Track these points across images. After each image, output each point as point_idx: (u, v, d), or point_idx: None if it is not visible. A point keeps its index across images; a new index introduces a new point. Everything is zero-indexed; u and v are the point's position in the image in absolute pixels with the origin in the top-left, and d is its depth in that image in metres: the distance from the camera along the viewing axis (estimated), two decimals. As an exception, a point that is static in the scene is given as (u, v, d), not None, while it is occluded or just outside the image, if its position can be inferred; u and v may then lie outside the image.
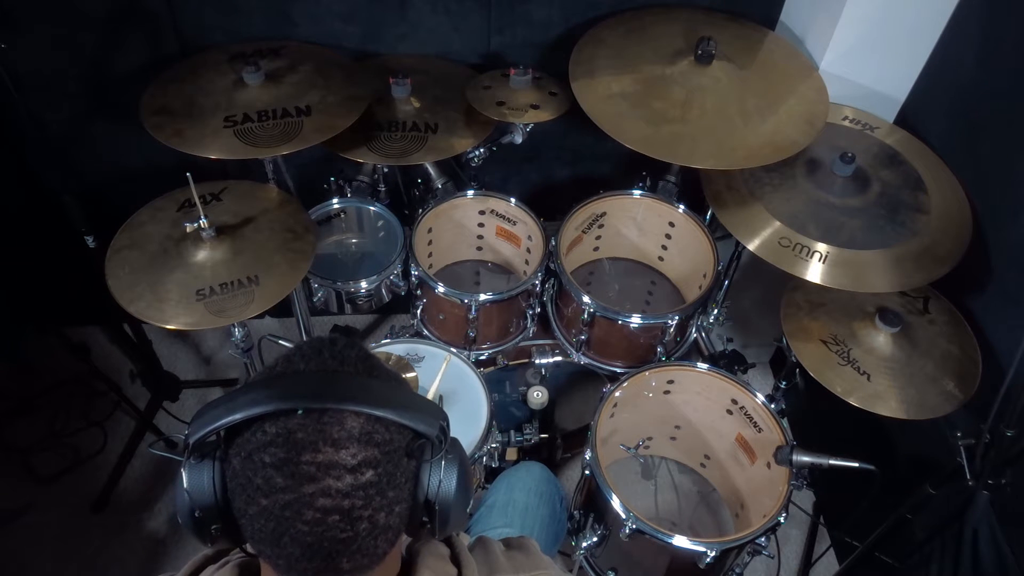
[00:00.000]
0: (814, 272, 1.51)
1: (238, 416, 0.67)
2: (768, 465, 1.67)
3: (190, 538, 1.01)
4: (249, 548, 0.77)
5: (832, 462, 1.52)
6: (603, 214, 1.97)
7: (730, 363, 1.99)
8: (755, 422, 1.70)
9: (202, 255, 1.51)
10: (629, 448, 1.98)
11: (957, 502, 1.31)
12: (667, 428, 1.99)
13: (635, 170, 1.94)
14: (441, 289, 1.77)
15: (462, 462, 0.75)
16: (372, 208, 1.94)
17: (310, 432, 0.66)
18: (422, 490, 0.73)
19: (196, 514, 0.71)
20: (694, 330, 1.93)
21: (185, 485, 0.70)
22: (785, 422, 1.64)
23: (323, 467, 0.65)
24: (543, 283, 1.88)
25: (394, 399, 0.70)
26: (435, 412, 0.74)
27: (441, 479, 0.73)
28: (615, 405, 1.71)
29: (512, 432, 1.80)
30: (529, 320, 1.95)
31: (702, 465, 2.07)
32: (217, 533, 0.73)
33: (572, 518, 1.75)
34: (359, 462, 0.66)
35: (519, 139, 1.83)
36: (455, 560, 0.83)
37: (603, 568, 1.73)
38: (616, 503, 1.50)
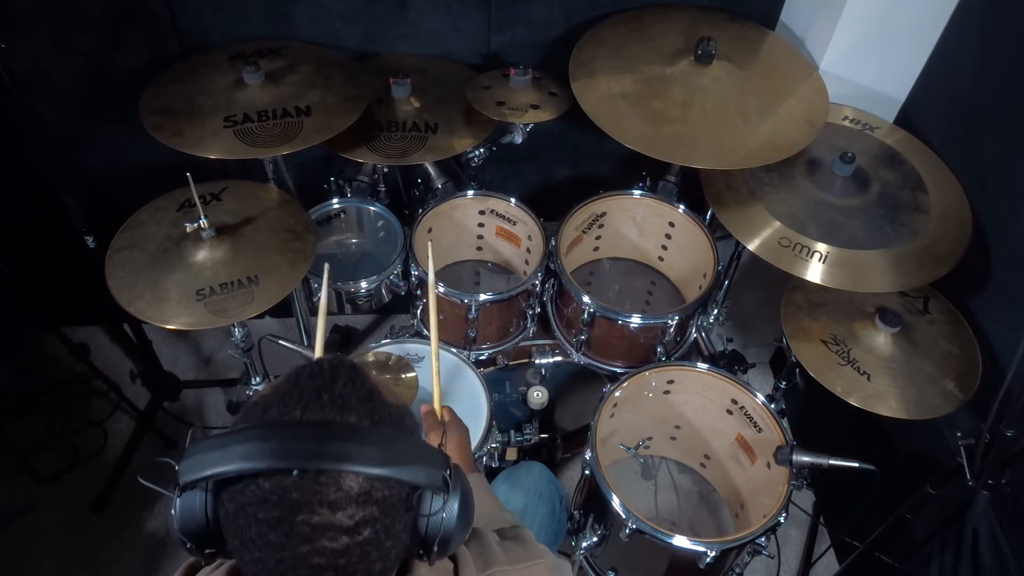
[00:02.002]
0: (814, 272, 1.51)
1: (231, 469, 0.64)
2: (768, 465, 1.67)
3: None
4: None
5: (832, 462, 1.52)
6: (603, 214, 1.97)
7: (730, 363, 1.99)
8: (755, 422, 1.70)
9: (202, 255, 1.51)
10: (629, 448, 1.98)
11: (957, 502, 1.31)
12: (667, 428, 1.99)
13: (635, 170, 1.94)
14: (441, 289, 1.77)
15: (464, 496, 0.72)
16: (372, 208, 1.94)
17: (306, 493, 0.63)
18: (420, 532, 0.71)
19: (187, 545, 0.70)
20: (694, 330, 1.93)
21: (176, 522, 0.68)
22: (785, 422, 1.64)
23: (319, 528, 0.63)
24: (543, 283, 1.88)
25: (396, 454, 0.67)
26: (437, 461, 0.71)
27: (442, 522, 0.70)
28: (615, 405, 1.71)
29: (512, 432, 1.80)
30: (529, 320, 1.95)
31: (702, 465, 2.07)
32: (210, 557, 0.72)
33: (572, 518, 1.75)
34: (356, 523, 0.64)
35: (519, 139, 1.83)
36: (451, 556, 0.83)
37: (603, 568, 1.73)
38: (616, 503, 1.50)
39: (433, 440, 1.20)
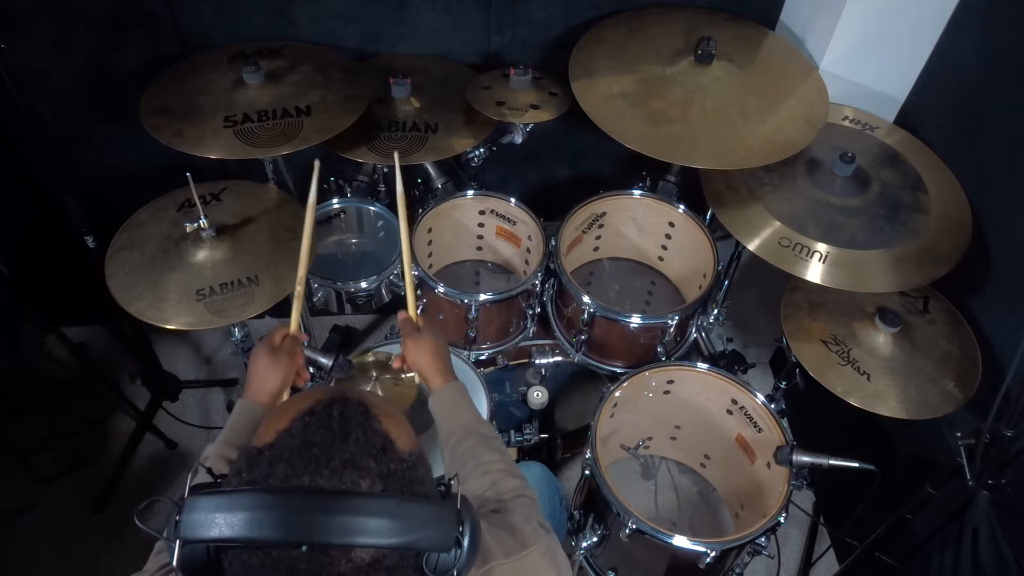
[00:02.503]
0: (814, 272, 1.51)
1: (236, 536, 0.62)
2: (768, 465, 1.67)
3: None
4: None
5: (832, 462, 1.52)
6: (603, 214, 1.97)
7: (730, 363, 1.98)
8: (755, 422, 1.70)
9: (202, 255, 1.51)
10: (629, 448, 1.98)
11: (957, 502, 1.31)
12: (667, 428, 1.99)
13: (635, 170, 1.94)
14: (441, 289, 1.77)
15: (473, 541, 0.70)
16: (372, 208, 1.94)
17: (314, 565, 0.62)
18: None
19: None
20: (694, 330, 1.93)
21: (179, 568, 0.66)
22: (785, 422, 1.64)
23: None
24: (543, 283, 1.88)
25: (407, 524, 0.64)
26: (449, 521, 0.68)
27: (450, 573, 0.69)
28: (615, 405, 1.71)
29: (512, 432, 1.80)
30: (529, 320, 1.95)
31: (702, 465, 2.07)
32: None
33: (572, 518, 1.75)
34: None
35: (519, 139, 1.83)
36: None
37: (603, 568, 1.73)
38: (616, 503, 1.50)
39: (411, 348, 1.23)
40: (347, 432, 0.67)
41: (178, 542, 0.64)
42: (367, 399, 0.71)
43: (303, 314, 1.95)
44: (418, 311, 1.34)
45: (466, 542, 0.69)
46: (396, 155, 1.38)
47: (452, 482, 0.74)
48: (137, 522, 0.70)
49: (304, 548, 0.62)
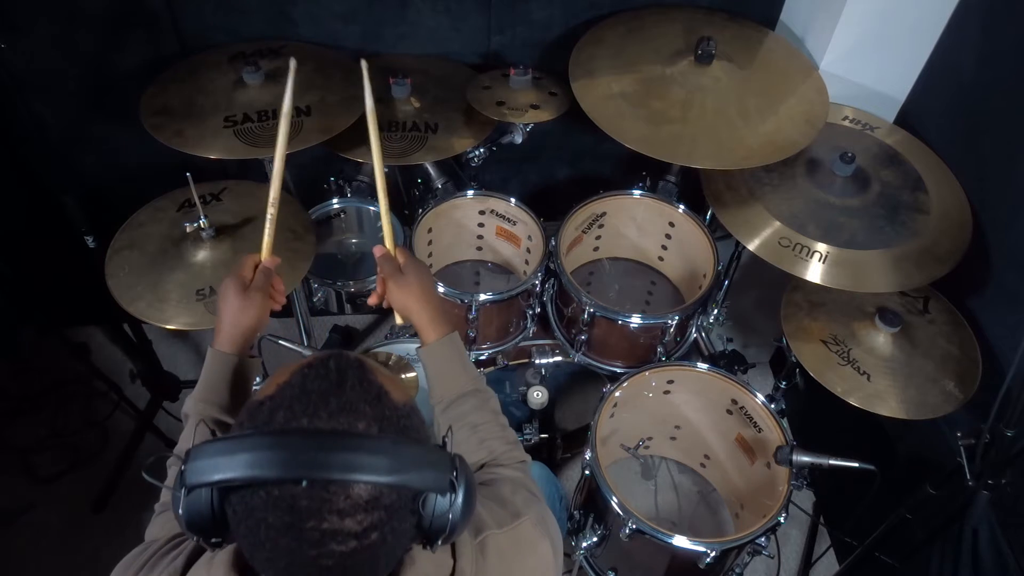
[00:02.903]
0: (814, 272, 1.51)
1: (240, 476, 0.64)
2: (768, 465, 1.67)
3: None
4: None
5: (832, 462, 1.52)
6: (603, 214, 1.97)
7: (730, 363, 1.98)
8: (755, 422, 1.70)
9: (202, 255, 1.51)
10: (629, 448, 1.98)
11: (957, 502, 1.32)
12: (667, 428, 1.99)
13: (635, 170, 1.94)
14: (441, 289, 1.77)
15: (468, 490, 0.72)
16: (372, 208, 1.94)
17: (314, 501, 0.64)
18: (424, 527, 0.72)
19: (194, 537, 0.70)
20: (694, 330, 1.93)
21: (183, 519, 0.68)
22: (785, 422, 1.64)
23: (328, 534, 0.64)
24: (543, 283, 1.88)
25: (404, 461, 0.67)
26: (444, 464, 0.71)
27: (448, 523, 0.71)
28: (615, 405, 1.71)
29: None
30: (529, 320, 1.95)
31: (702, 465, 2.07)
32: (216, 545, 0.73)
33: (572, 518, 1.75)
34: (365, 528, 0.65)
35: (519, 139, 1.83)
36: None
37: (603, 568, 1.73)
38: (616, 503, 1.50)
39: (395, 292, 1.12)
40: (343, 380, 0.69)
41: (184, 496, 0.67)
42: (362, 358, 0.74)
43: (305, 316, 1.96)
44: (397, 244, 1.18)
45: (461, 492, 0.71)
46: (363, 64, 1.22)
47: (446, 440, 0.76)
48: (145, 476, 0.73)
49: (304, 484, 0.63)
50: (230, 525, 0.68)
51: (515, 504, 0.94)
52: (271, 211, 1.16)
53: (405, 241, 1.86)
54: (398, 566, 0.76)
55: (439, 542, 0.73)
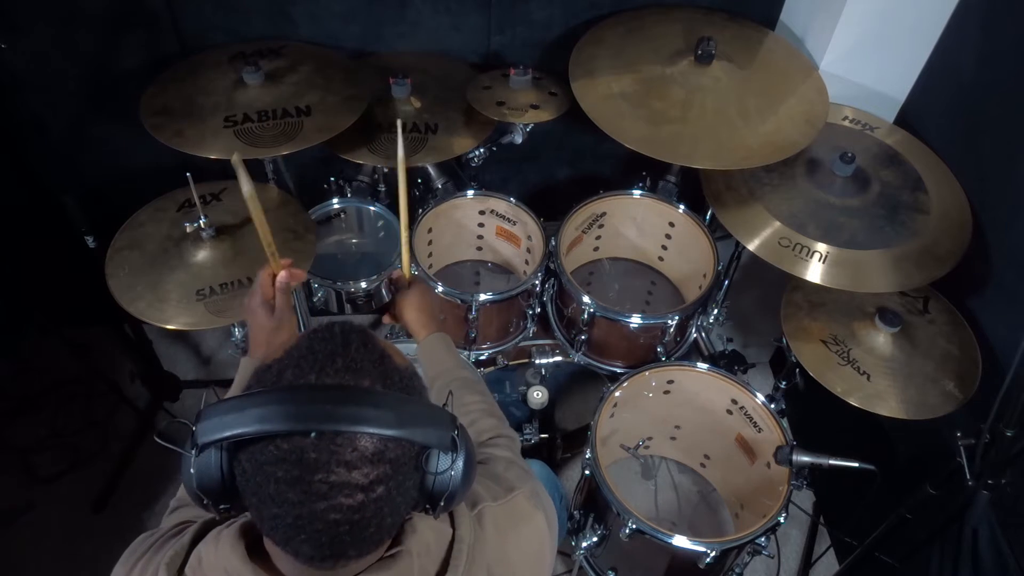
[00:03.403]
0: (814, 272, 1.51)
1: (250, 430, 0.66)
2: (768, 465, 1.67)
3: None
4: None
5: (832, 462, 1.52)
6: (603, 214, 1.97)
7: (730, 363, 1.98)
8: (755, 422, 1.70)
9: (202, 255, 1.51)
10: (629, 448, 1.98)
11: (957, 502, 1.31)
12: (667, 428, 1.99)
13: (635, 170, 1.94)
14: (441, 289, 1.77)
15: (468, 454, 0.75)
16: (372, 208, 1.94)
17: (322, 453, 0.65)
18: (427, 488, 0.73)
19: (204, 501, 0.71)
20: (694, 330, 1.93)
21: (194, 477, 0.69)
22: (785, 422, 1.64)
23: (335, 486, 0.66)
24: (543, 283, 1.88)
25: (408, 416, 0.69)
26: (446, 422, 0.73)
27: (449, 479, 0.73)
28: (615, 405, 1.71)
29: (512, 432, 1.80)
30: (529, 320, 1.95)
31: (702, 465, 2.07)
32: (225, 510, 0.73)
33: (572, 518, 1.75)
34: (371, 480, 0.67)
35: (519, 139, 1.83)
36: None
37: (603, 568, 1.73)
38: (616, 503, 1.50)
39: (399, 302, 1.28)
40: (348, 342, 0.72)
41: (195, 456, 0.68)
42: (364, 326, 0.76)
43: (305, 316, 1.96)
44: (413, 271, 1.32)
45: (462, 454, 0.73)
46: (399, 125, 1.21)
47: (446, 405, 0.78)
48: (157, 439, 0.73)
49: (312, 435, 0.65)
50: (239, 486, 0.70)
51: (509, 479, 0.97)
52: (268, 248, 1.15)
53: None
54: (400, 533, 0.77)
55: (441, 503, 0.74)
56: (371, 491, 0.67)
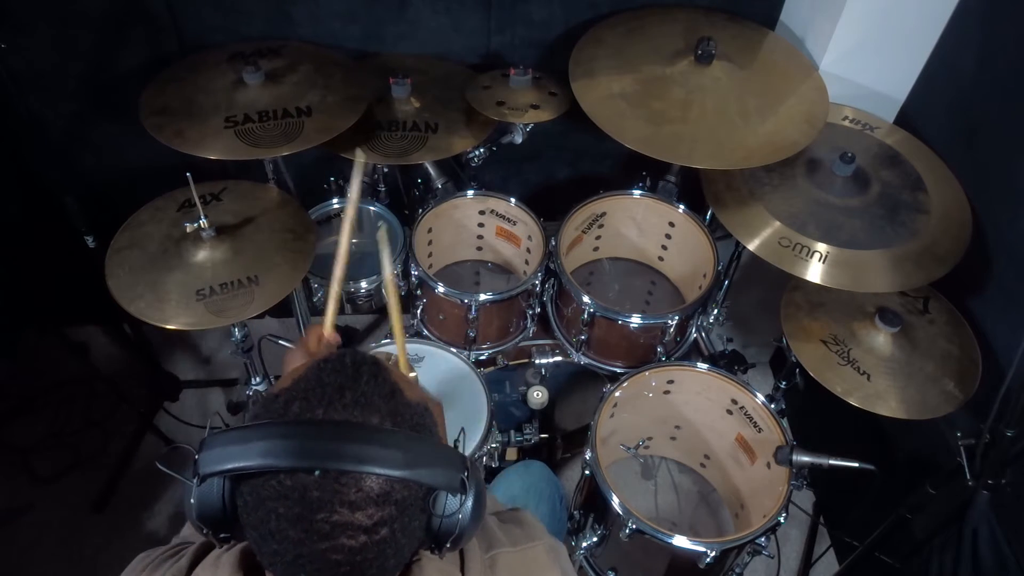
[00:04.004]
0: (814, 272, 1.51)
1: (253, 464, 0.64)
2: (768, 465, 1.67)
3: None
4: None
5: (832, 462, 1.52)
6: (603, 214, 1.97)
7: (730, 363, 1.99)
8: (755, 422, 1.70)
9: (202, 255, 1.51)
10: (629, 448, 1.98)
11: (957, 502, 1.32)
12: (667, 428, 1.99)
13: (635, 170, 1.94)
14: (441, 289, 1.77)
15: (478, 494, 0.72)
16: (372, 208, 1.94)
17: (325, 492, 0.64)
18: (434, 531, 0.72)
19: (204, 530, 0.70)
20: (694, 330, 1.93)
21: (194, 509, 0.68)
22: (785, 422, 1.64)
23: (338, 527, 0.64)
24: (543, 283, 1.88)
25: (416, 457, 0.67)
26: (456, 463, 0.71)
27: (457, 524, 0.71)
28: (615, 405, 1.71)
29: (512, 432, 1.80)
30: (529, 320, 1.95)
31: (702, 465, 2.07)
32: (224, 541, 0.73)
33: (572, 518, 1.75)
34: (375, 522, 0.65)
35: (519, 139, 1.83)
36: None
37: (603, 568, 1.73)
38: (616, 503, 1.50)
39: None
40: (359, 375, 0.70)
41: (196, 485, 0.67)
42: (376, 356, 0.75)
43: (305, 316, 1.96)
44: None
45: (472, 494, 0.71)
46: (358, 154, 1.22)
47: (457, 442, 0.77)
48: (159, 465, 0.72)
49: (316, 474, 0.63)
50: (240, 517, 0.68)
51: (535, 528, 0.94)
52: (335, 287, 1.17)
53: (405, 241, 1.86)
54: (407, 571, 0.76)
55: (448, 545, 0.72)
56: (375, 533, 0.65)
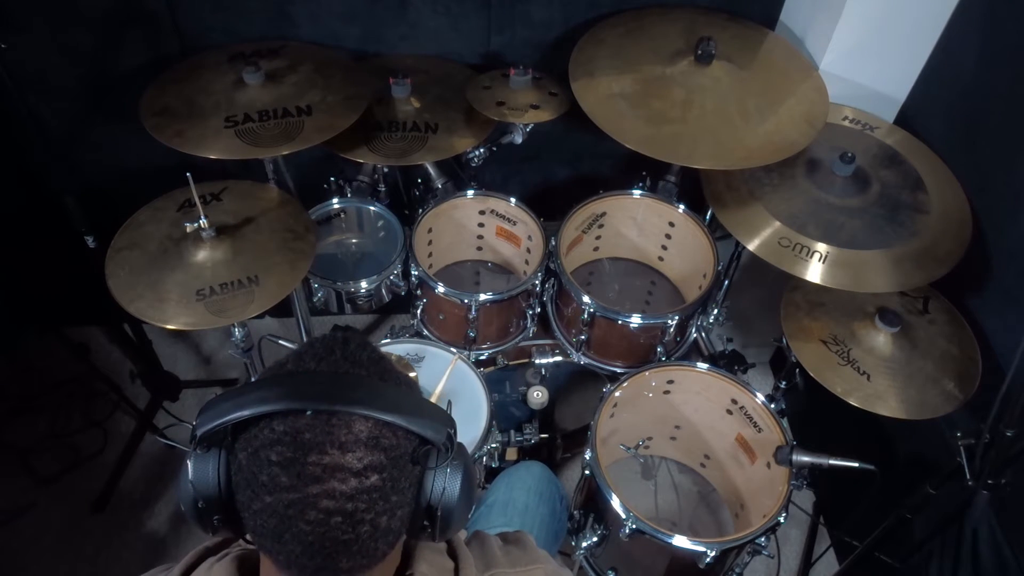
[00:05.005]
0: (814, 272, 1.51)
1: (247, 412, 0.67)
2: (768, 465, 1.67)
3: (190, 537, 1.00)
4: (249, 538, 0.77)
5: (832, 462, 1.52)
6: (603, 214, 1.97)
7: (730, 363, 1.99)
8: (755, 422, 1.70)
9: (202, 255, 1.51)
10: (629, 448, 1.98)
11: (957, 502, 1.32)
12: (667, 428, 1.99)
13: (635, 170, 1.94)
14: (441, 289, 1.77)
15: (466, 468, 0.74)
16: (372, 208, 1.94)
17: (318, 433, 0.66)
18: (425, 495, 0.73)
19: (199, 504, 0.71)
20: (694, 330, 1.93)
21: (190, 476, 0.70)
22: (785, 422, 1.64)
23: (329, 469, 0.65)
24: (543, 283, 1.88)
25: (404, 404, 0.70)
26: (443, 419, 0.73)
27: (445, 486, 0.73)
28: (615, 405, 1.71)
29: (512, 432, 1.80)
30: (529, 320, 1.95)
31: (702, 465, 2.07)
32: (219, 524, 0.73)
33: (572, 518, 1.75)
34: (365, 466, 0.66)
35: (519, 139, 1.83)
36: (452, 554, 0.84)
37: (603, 568, 1.73)
38: (616, 503, 1.50)
39: None
40: (348, 341, 0.74)
41: (193, 449, 0.70)
42: (366, 338, 0.78)
43: (305, 316, 1.96)
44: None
45: (461, 468, 0.73)
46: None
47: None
48: (158, 437, 0.75)
49: (309, 413, 0.66)
50: (233, 483, 0.70)
51: (537, 552, 0.95)
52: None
53: (405, 241, 1.86)
54: (405, 567, 0.76)
55: (439, 514, 0.73)
56: (364, 477, 0.66)
